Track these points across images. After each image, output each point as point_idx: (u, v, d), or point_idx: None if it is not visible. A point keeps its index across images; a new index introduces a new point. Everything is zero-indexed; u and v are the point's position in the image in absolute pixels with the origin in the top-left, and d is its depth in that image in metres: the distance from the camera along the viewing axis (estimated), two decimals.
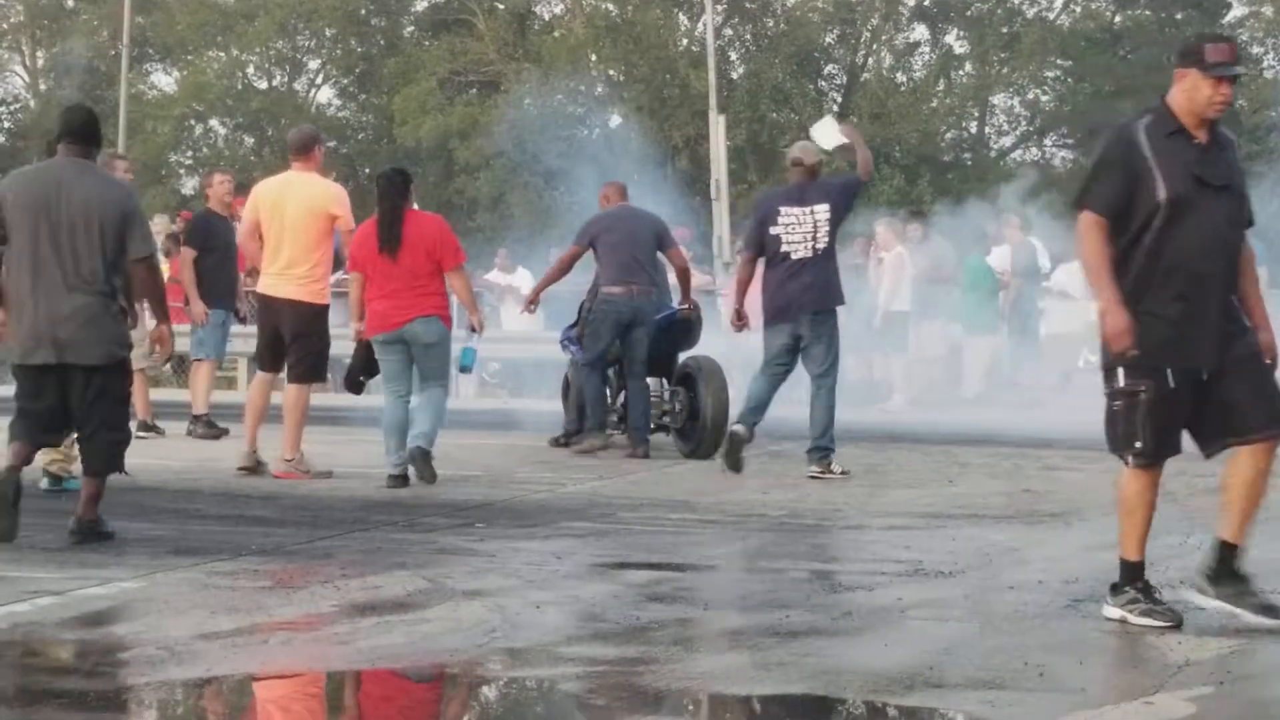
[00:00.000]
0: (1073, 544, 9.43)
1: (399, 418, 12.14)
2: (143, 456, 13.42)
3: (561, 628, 7.00)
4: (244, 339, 17.03)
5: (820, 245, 12.74)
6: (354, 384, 12.88)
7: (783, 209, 12.82)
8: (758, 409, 12.82)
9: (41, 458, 11.82)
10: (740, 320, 13.10)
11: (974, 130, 46.13)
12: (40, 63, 54.63)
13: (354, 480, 12.15)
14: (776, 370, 12.91)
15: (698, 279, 23.24)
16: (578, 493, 11.65)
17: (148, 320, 10.61)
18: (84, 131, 9.36)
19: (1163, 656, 6.41)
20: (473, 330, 12.71)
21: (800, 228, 12.74)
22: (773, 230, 12.80)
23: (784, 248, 12.74)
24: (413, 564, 8.44)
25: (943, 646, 6.56)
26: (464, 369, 14.00)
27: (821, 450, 12.68)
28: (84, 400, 9.08)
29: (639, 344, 14.19)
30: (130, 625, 6.82)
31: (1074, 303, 23.00)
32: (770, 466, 13.32)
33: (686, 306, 14.73)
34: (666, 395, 14.72)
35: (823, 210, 12.74)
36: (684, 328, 14.67)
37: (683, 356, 14.86)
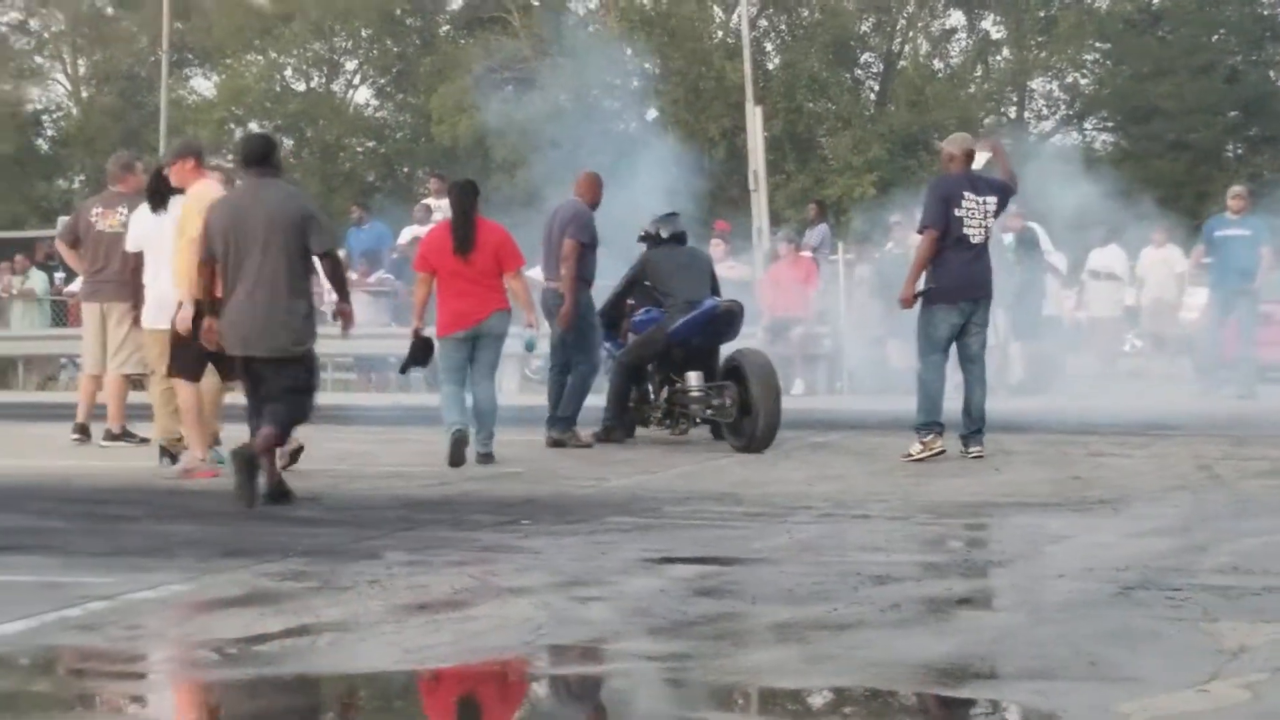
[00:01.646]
0: (1122, 531, 9.38)
1: (458, 397, 13.41)
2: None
3: (609, 623, 6.99)
4: None
5: (989, 234, 13.38)
6: (405, 370, 14.36)
7: (965, 193, 13.22)
8: (938, 406, 13.21)
9: (155, 433, 12.38)
10: (913, 299, 13.35)
11: (1013, 115, 45.98)
12: (82, 70, 54.90)
13: (398, 480, 12.18)
14: (942, 356, 13.36)
15: (736, 271, 23.26)
16: (622, 487, 11.65)
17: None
18: (261, 156, 11.13)
19: (1216, 643, 6.36)
20: (529, 326, 13.72)
21: (977, 214, 13.21)
22: (956, 212, 13.19)
23: (965, 230, 13.18)
24: (459, 562, 8.44)
25: (992, 637, 6.53)
26: (529, 347, 14.46)
27: (980, 432, 13.35)
28: (276, 384, 10.86)
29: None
30: (180, 628, 6.84)
31: (1116, 285, 22.94)
32: (813, 458, 13.30)
33: (729, 300, 14.78)
34: (703, 391, 14.64)
35: (992, 202, 13.29)
36: (726, 320, 14.67)
37: (726, 350, 14.86)
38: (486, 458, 13.32)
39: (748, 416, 14.08)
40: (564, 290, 14.75)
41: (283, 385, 10.84)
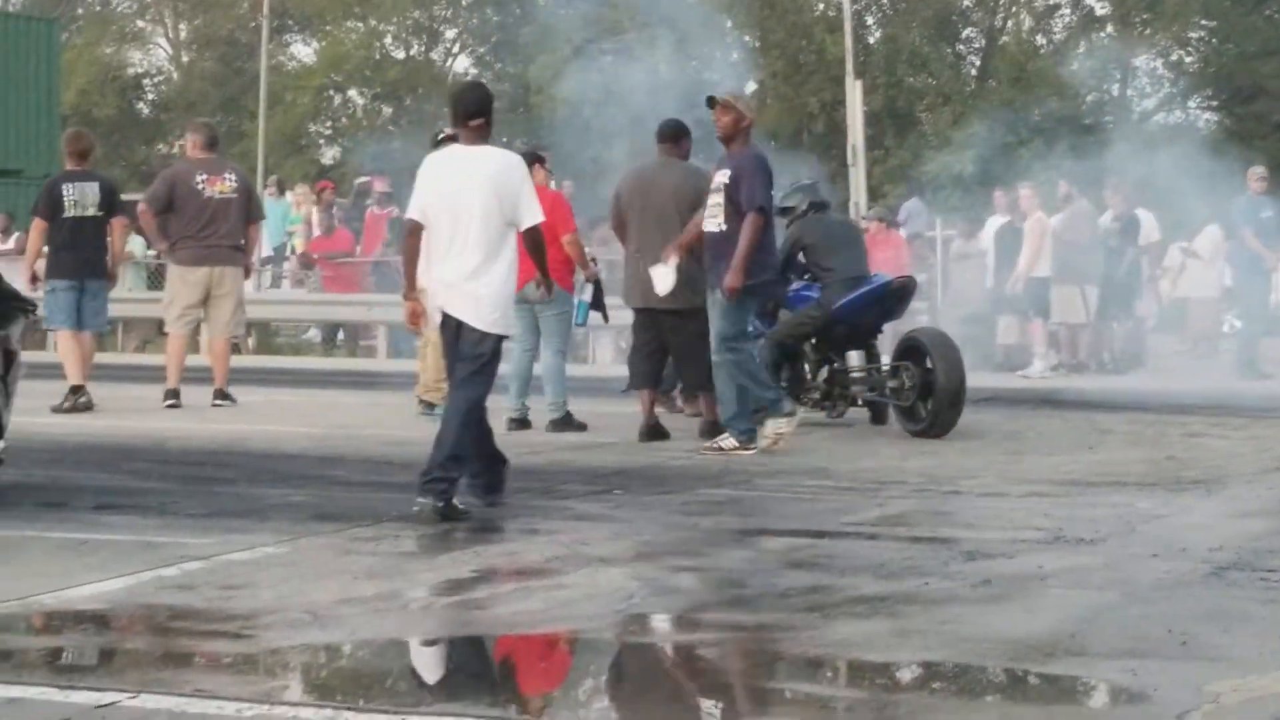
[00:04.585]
0: (1216, 511, 9.32)
1: (523, 367, 13.55)
2: (281, 424, 13.63)
3: (699, 594, 7.01)
4: None
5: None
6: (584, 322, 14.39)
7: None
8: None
9: (418, 388, 13.95)
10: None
11: (1115, 93, 45.59)
12: (183, 35, 55.29)
13: None
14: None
15: None
16: (714, 459, 11.65)
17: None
18: (670, 135, 13.00)
19: None
20: (586, 282, 13.62)
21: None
22: None
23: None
24: (551, 530, 8.48)
25: (1084, 614, 6.50)
26: (578, 325, 14.29)
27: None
28: (676, 336, 12.54)
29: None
30: (274, 590, 6.91)
31: (1212, 266, 22.73)
32: (906, 433, 13.25)
33: (901, 276, 14.30)
34: (866, 371, 13.82)
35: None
36: (898, 297, 13.91)
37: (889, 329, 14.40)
38: (555, 424, 13.33)
39: (925, 399, 13.25)
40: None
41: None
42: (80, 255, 14.90)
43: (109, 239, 15.12)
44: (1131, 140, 27.47)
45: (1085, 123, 41.89)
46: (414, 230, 9.32)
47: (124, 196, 16.56)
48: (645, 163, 13.34)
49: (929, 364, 13.14)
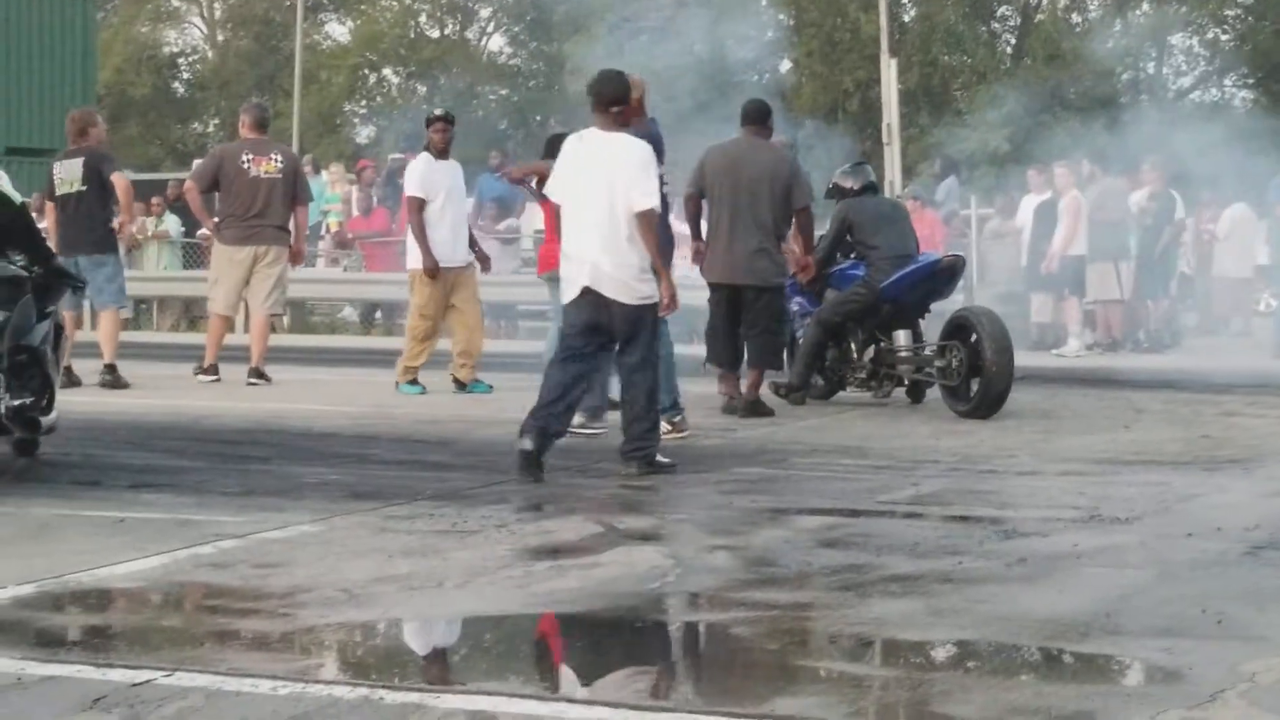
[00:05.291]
0: (1252, 491, 9.29)
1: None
2: (316, 402, 13.67)
3: (734, 572, 7.02)
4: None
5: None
6: None
7: None
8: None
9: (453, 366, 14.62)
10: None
11: (1151, 70, 45.40)
12: (218, 14, 55.35)
13: None
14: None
15: None
16: (750, 438, 11.65)
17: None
18: (758, 116, 13.28)
19: None
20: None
21: None
22: None
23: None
24: (586, 509, 8.50)
25: (1119, 593, 6.49)
26: None
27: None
28: (753, 310, 12.69)
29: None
30: (309, 568, 6.93)
31: (1246, 244, 22.65)
32: (941, 412, 13.22)
33: (950, 254, 14.29)
34: (914, 350, 13.83)
35: None
36: (946, 277, 13.93)
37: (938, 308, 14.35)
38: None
39: (973, 379, 13.11)
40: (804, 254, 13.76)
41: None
42: (68, 233, 14.90)
43: (105, 212, 15.07)
44: (1167, 118, 27.35)
45: (1120, 101, 41.74)
46: (554, 208, 10.52)
47: (158, 176, 16.66)
48: (733, 141, 13.43)
49: (976, 343, 13.01)
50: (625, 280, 9.74)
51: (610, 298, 9.71)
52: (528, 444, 9.46)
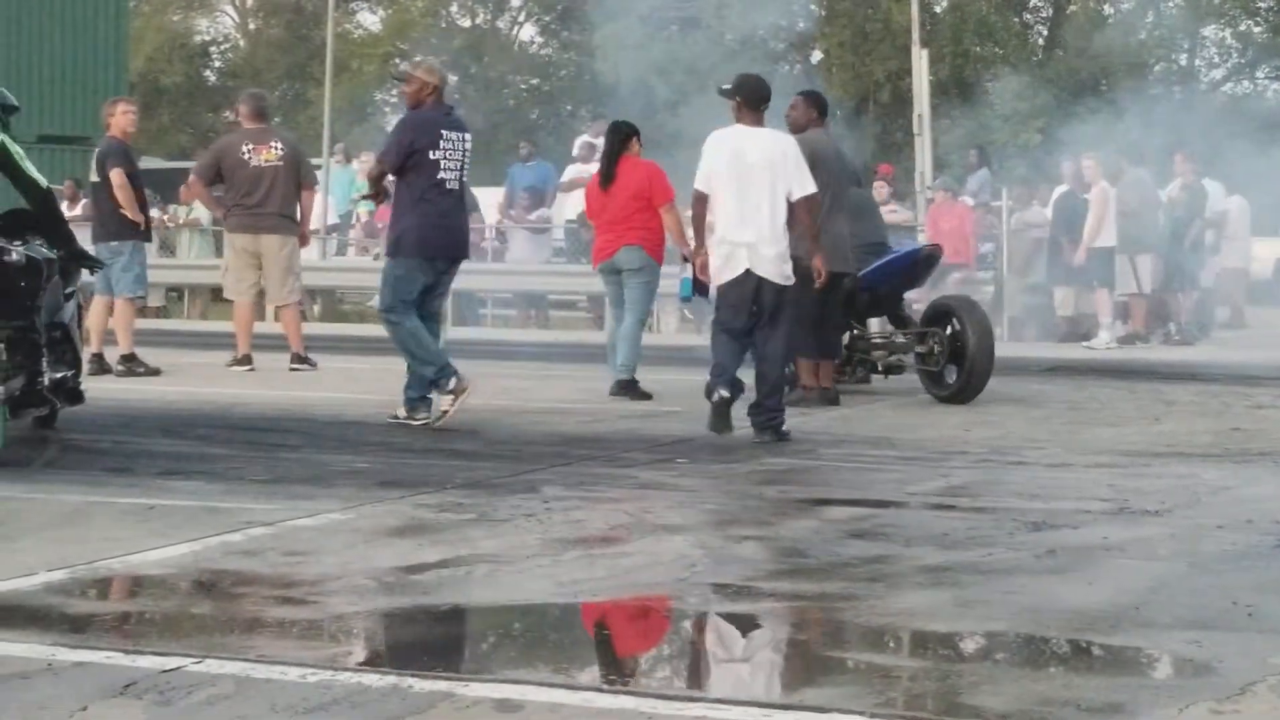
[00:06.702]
0: None
1: (615, 331, 14.07)
2: (346, 391, 13.69)
3: (762, 563, 7.01)
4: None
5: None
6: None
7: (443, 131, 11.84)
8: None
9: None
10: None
11: (1183, 63, 45.23)
12: (250, 2, 55.40)
13: (555, 415, 12.26)
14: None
15: (898, 215, 23.11)
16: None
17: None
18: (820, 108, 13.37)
19: None
20: (685, 260, 13.37)
21: (455, 156, 11.83)
22: (433, 154, 11.72)
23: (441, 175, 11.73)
24: (614, 498, 8.50)
25: (1149, 585, 6.48)
26: (683, 299, 14.10)
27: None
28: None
29: None
30: (338, 556, 6.94)
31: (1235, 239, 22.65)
32: (970, 403, 13.21)
33: (930, 244, 14.48)
34: (887, 338, 14.17)
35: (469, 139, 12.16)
36: (926, 265, 14.21)
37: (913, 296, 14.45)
38: (621, 385, 13.58)
39: (953, 365, 13.43)
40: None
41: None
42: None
43: (111, 200, 15.12)
44: (1200, 110, 27.28)
45: (1152, 93, 41.59)
46: (700, 199, 11.10)
47: (189, 164, 16.80)
48: (815, 133, 13.23)
49: (956, 329, 13.37)
50: (777, 263, 10.96)
51: (764, 278, 10.90)
52: (725, 391, 11.00)
